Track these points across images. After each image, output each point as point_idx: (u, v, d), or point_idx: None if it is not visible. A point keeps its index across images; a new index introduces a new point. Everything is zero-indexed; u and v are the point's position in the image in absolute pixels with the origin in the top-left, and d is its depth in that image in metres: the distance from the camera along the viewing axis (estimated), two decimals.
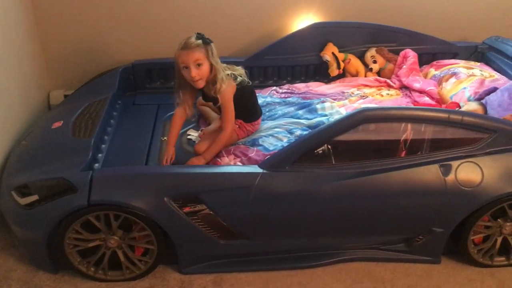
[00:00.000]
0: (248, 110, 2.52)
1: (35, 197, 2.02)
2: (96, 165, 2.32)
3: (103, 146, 2.49)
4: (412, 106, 2.76)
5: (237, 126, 2.49)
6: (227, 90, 2.34)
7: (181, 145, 2.56)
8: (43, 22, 3.06)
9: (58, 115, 2.61)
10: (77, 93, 2.90)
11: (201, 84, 2.32)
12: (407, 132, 2.03)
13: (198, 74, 2.27)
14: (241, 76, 2.41)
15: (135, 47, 3.16)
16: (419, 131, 2.04)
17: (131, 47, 3.17)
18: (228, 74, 2.36)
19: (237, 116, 2.43)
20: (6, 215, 2.15)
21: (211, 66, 2.29)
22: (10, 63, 2.65)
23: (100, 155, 2.41)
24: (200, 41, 2.24)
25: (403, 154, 2.06)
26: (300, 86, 3.09)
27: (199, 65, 2.25)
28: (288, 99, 2.93)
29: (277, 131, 2.53)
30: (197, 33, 2.28)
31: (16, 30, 2.78)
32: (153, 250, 2.11)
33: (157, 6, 3.08)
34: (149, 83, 3.09)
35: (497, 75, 2.88)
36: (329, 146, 2.03)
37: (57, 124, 2.49)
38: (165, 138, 2.60)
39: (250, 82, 2.48)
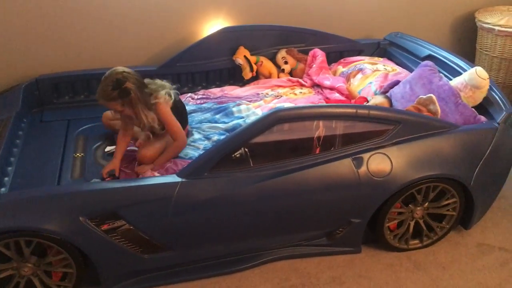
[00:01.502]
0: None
1: None
2: (2, 189, 2.19)
3: (9, 168, 2.35)
4: (322, 103, 2.86)
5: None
6: (162, 107, 2.33)
7: (96, 160, 2.48)
8: None
9: None
10: None
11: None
12: (320, 129, 2.09)
13: (121, 113, 2.32)
14: (174, 90, 2.43)
15: (38, 61, 2.98)
16: (331, 127, 2.10)
17: (33, 61, 2.98)
18: (166, 92, 2.37)
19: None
20: None
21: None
22: None
23: (6, 178, 2.27)
24: (115, 94, 2.19)
25: (317, 151, 2.12)
26: (215, 91, 3.09)
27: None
28: (204, 105, 2.92)
29: (193, 139, 2.52)
30: (117, 79, 2.20)
31: None
32: (72, 274, 2.01)
33: (59, 16, 2.92)
34: (56, 98, 2.94)
35: (398, 69, 3.05)
36: (246, 149, 2.04)
37: None
38: (78, 154, 2.50)
39: (179, 94, 2.51)
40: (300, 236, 2.26)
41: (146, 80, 2.40)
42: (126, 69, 2.27)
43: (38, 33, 2.94)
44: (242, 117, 2.73)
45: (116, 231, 1.95)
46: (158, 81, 2.44)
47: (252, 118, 2.67)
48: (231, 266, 2.23)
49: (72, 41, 3.01)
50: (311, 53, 3.20)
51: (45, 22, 2.92)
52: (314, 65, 3.15)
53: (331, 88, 3.03)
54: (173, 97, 2.40)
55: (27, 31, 2.92)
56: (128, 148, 2.47)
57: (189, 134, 2.62)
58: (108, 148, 2.54)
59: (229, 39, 3.10)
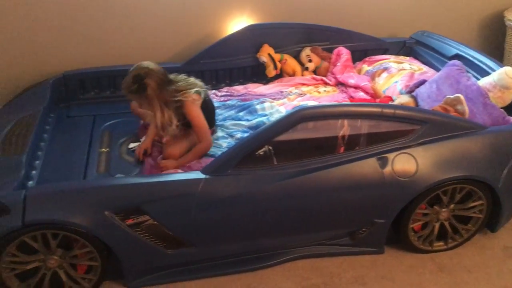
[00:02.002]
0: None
1: None
2: (30, 182, 2.23)
3: (37, 162, 2.39)
4: (347, 102, 2.84)
5: None
6: (190, 105, 2.34)
7: (121, 156, 2.51)
8: None
9: None
10: (5, 109, 2.76)
11: None
12: (344, 128, 2.08)
13: (140, 107, 2.41)
14: (204, 89, 2.45)
15: (65, 58, 3.04)
16: (356, 126, 2.08)
17: (61, 57, 3.04)
18: (196, 91, 2.38)
19: None
20: None
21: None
22: None
23: (34, 172, 2.31)
24: (134, 88, 2.24)
25: (341, 150, 2.10)
26: (239, 88, 3.10)
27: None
28: (228, 102, 2.92)
29: (216, 137, 2.53)
30: (138, 74, 2.24)
31: None
32: (97, 267, 2.04)
33: (86, 14, 2.97)
34: (82, 94, 2.99)
35: (425, 68, 3.01)
36: (270, 147, 2.03)
37: None
38: (103, 149, 2.53)
39: (208, 95, 2.52)
40: (323, 235, 2.25)
41: (180, 76, 2.43)
42: (152, 65, 2.30)
43: (65, 30, 2.99)
44: (266, 115, 2.73)
45: (140, 226, 1.97)
46: (191, 79, 2.45)
47: (275, 116, 2.67)
48: (253, 264, 2.23)
49: (98, 38, 3.06)
50: (335, 51, 3.18)
51: (72, 19, 2.97)
52: (338, 64, 3.13)
53: (356, 87, 3.00)
54: (202, 96, 2.40)
55: (55, 29, 2.97)
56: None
57: (213, 132, 2.63)
58: (131, 145, 2.57)
59: (253, 37, 3.10)
